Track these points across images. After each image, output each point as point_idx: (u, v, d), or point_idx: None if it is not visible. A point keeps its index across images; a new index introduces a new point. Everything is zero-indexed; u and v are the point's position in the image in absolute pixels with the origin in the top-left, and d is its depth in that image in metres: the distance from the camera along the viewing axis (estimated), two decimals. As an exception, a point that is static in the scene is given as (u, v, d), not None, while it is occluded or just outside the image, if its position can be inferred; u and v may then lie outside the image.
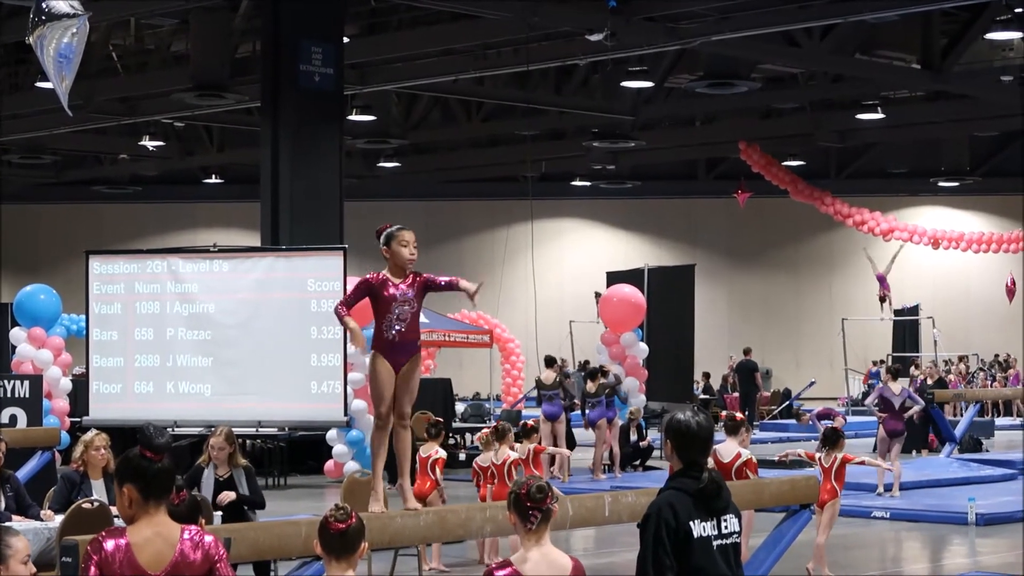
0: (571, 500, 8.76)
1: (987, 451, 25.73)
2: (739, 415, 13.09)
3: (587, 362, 28.88)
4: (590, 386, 21.66)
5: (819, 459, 13.03)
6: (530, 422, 16.00)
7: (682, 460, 5.75)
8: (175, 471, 5.26)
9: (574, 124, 34.87)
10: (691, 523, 5.59)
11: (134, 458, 5.13)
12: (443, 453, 13.71)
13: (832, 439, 13.02)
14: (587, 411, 21.58)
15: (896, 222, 35.85)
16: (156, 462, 5.12)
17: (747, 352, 34.79)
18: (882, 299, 35.40)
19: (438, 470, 13.46)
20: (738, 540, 5.79)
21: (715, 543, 5.65)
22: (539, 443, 15.49)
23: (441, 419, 15.22)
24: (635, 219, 44.64)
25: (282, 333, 20.69)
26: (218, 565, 5.14)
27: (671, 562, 5.53)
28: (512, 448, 13.57)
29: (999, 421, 34.57)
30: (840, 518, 17.12)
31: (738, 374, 35.47)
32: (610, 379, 21.93)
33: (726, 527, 5.71)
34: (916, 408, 20.21)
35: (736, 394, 36.38)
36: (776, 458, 15.79)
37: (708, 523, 5.65)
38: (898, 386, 19.94)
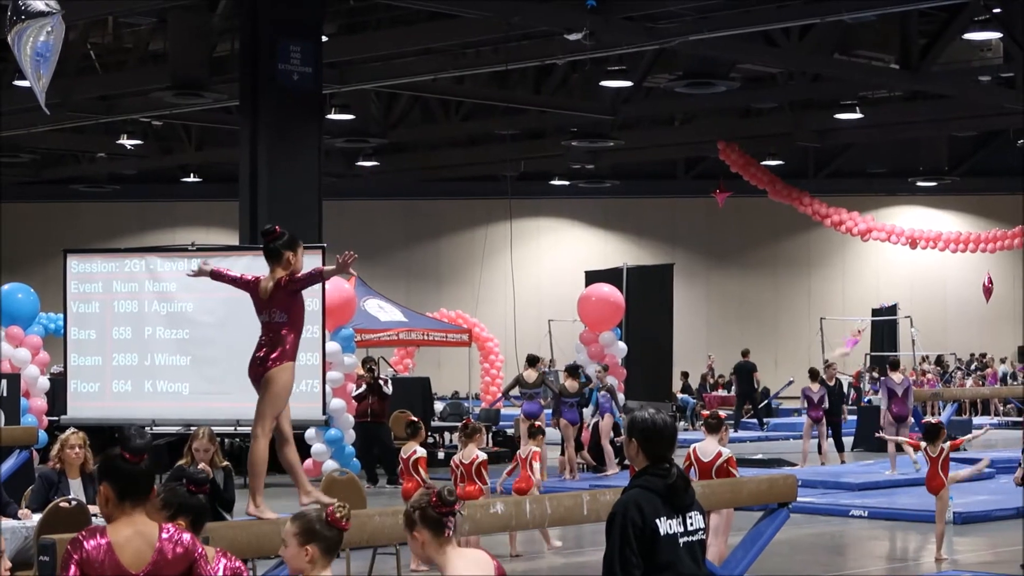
0: (549, 499, 8.77)
1: (964, 450, 25.75)
2: (722, 413, 13.36)
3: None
4: (570, 384, 21.60)
5: (925, 449, 13.90)
6: (537, 423, 16.09)
7: (649, 457, 5.74)
8: (154, 473, 5.26)
9: (553, 123, 34.85)
10: (657, 521, 5.59)
11: (113, 458, 5.13)
12: (423, 452, 13.78)
13: (933, 432, 13.93)
14: (564, 411, 21.53)
15: (874, 222, 35.93)
16: (134, 463, 5.12)
17: (745, 354, 34.77)
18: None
19: (421, 469, 13.52)
20: (704, 537, 5.80)
21: (681, 540, 5.66)
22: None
23: (418, 419, 15.06)
24: (614, 218, 44.64)
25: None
26: (198, 562, 5.15)
27: (638, 560, 5.53)
28: (481, 447, 13.67)
29: (976, 420, 34.66)
30: (817, 517, 17.27)
31: (736, 375, 35.55)
32: (583, 380, 21.99)
33: (692, 524, 5.72)
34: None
35: (715, 392, 36.50)
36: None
37: (674, 520, 5.65)
38: (899, 376, 22.53)
